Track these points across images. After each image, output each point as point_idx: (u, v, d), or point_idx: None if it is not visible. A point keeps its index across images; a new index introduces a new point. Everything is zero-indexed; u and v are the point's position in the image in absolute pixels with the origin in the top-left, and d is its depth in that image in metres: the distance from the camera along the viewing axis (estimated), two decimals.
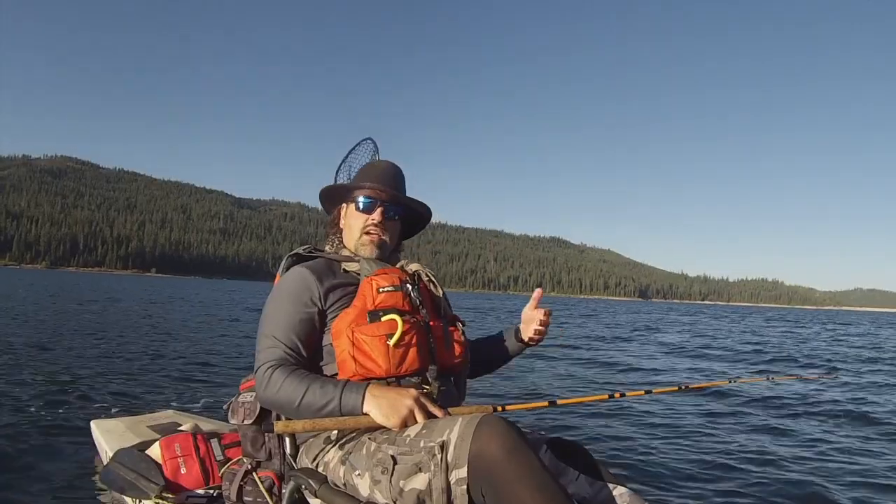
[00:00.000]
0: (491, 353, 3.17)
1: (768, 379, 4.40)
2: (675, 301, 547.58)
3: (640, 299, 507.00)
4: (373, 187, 2.88)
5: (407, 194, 3.02)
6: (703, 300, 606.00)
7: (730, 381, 4.12)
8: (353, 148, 3.16)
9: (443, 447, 2.14)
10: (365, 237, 2.87)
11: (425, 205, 3.05)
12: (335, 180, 3.12)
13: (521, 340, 3.10)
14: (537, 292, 2.99)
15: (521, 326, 3.10)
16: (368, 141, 3.19)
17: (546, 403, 2.85)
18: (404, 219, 3.05)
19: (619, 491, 2.40)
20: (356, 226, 2.89)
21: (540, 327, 3.03)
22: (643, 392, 3.18)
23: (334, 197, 3.06)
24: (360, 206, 2.88)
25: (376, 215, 2.86)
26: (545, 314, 3.03)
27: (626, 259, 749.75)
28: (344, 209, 3.00)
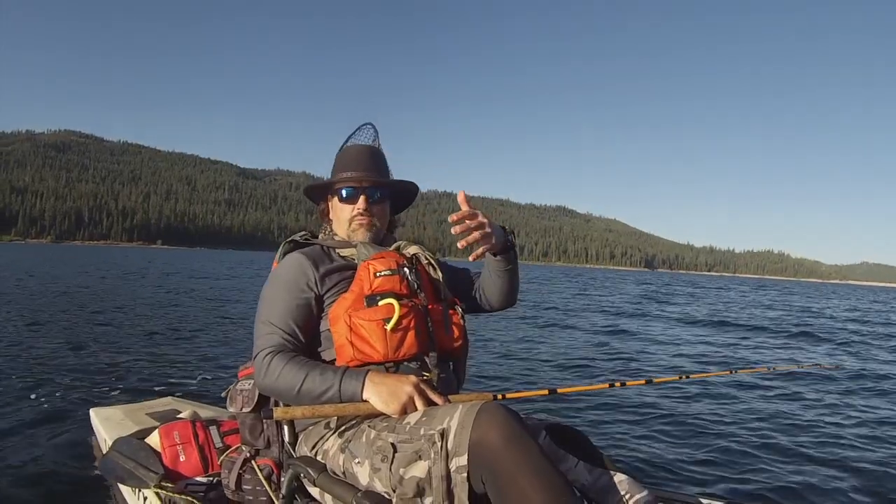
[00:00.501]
0: (487, 281, 3.05)
1: (769, 369, 4.37)
2: (681, 272, 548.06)
3: (646, 269, 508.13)
4: (351, 177, 2.87)
5: (393, 171, 3.04)
6: (709, 271, 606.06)
7: (731, 372, 4.10)
8: (353, 133, 3.11)
9: (443, 435, 2.13)
10: (354, 224, 2.88)
11: (408, 181, 3.05)
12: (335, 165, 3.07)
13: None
14: (460, 195, 2.67)
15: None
16: (368, 126, 3.13)
17: (546, 392, 2.82)
18: (391, 197, 3.04)
19: (618, 478, 2.37)
20: (343, 216, 2.90)
21: (471, 234, 2.64)
22: (644, 381, 3.17)
23: (319, 192, 3.06)
24: (343, 196, 2.88)
25: (360, 203, 2.87)
26: (459, 216, 2.59)
27: (632, 229, 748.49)
28: (331, 201, 3.00)
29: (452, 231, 2.58)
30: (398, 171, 3.02)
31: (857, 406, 9.30)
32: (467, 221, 2.60)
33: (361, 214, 2.86)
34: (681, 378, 3.48)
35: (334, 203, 2.95)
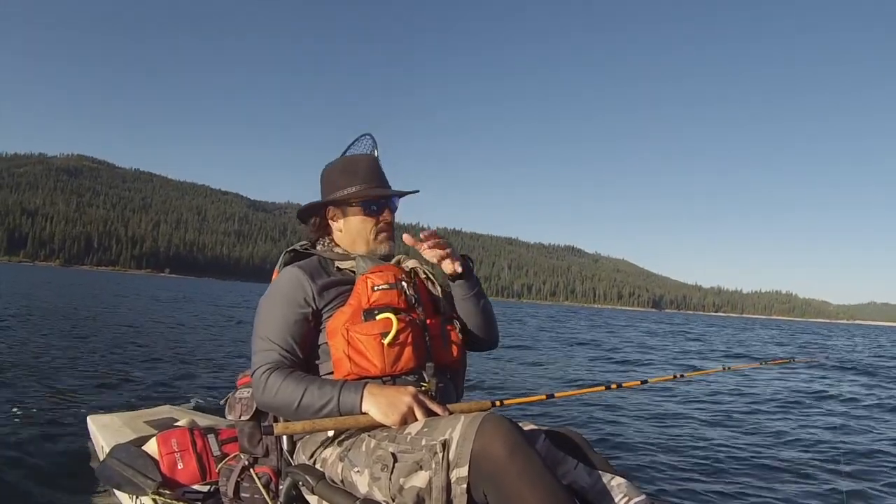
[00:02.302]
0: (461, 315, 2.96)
1: (761, 364, 4.43)
2: (688, 312, 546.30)
3: (653, 310, 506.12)
4: (377, 190, 2.87)
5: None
6: (716, 311, 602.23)
7: (724, 368, 4.14)
8: (352, 143, 3.15)
9: (444, 445, 2.15)
10: (381, 235, 2.88)
11: (416, 190, 3.03)
12: None
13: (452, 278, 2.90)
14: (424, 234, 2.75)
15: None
16: (367, 136, 3.18)
17: (544, 396, 2.86)
18: None
19: (616, 481, 2.38)
20: (366, 228, 2.88)
21: (439, 251, 2.76)
22: (639, 382, 3.22)
23: (316, 207, 3.00)
24: (370, 209, 2.86)
25: (387, 215, 2.87)
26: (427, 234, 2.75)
27: (640, 269, 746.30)
28: (338, 213, 2.94)
29: (422, 245, 2.71)
30: (399, 206, 3.02)
31: (847, 395, 9.51)
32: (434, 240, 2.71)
33: (388, 225, 2.89)
34: (675, 377, 3.50)
35: (351, 216, 2.90)
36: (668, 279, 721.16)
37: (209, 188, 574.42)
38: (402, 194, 2.95)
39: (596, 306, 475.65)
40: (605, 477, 2.40)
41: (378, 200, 2.86)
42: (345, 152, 3.12)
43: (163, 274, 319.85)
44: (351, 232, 2.92)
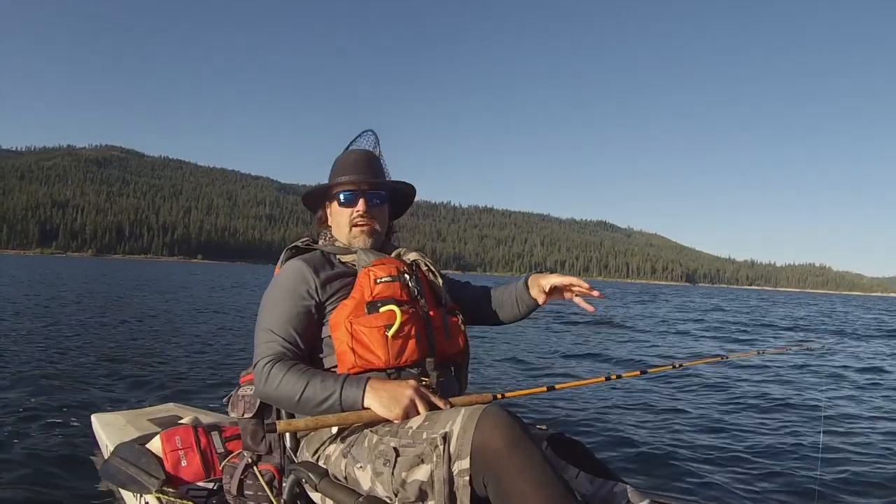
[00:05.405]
0: (508, 305, 3.11)
1: (759, 353, 4.40)
2: (722, 286, 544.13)
3: (686, 284, 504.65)
4: (349, 180, 2.86)
5: (391, 175, 3.05)
6: (749, 285, 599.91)
7: (722, 357, 4.10)
8: (354, 140, 3.16)
9: (445, 438, 2.13)
10: (355, 230, 2.87)
11: (407, 183, 3.06)
12: None
13: (534, 298, 3.02)
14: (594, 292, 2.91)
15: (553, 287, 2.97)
16: (369, 133, 3.18)
17: (545, 388, 2.83)
18: (390, 201, 3.05)
19: (620, 487, 2.39)
20: (343, 220, 2.89)
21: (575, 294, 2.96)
22: (638, 372, 3.24)
23: (318, 198, 3.06)
24: (342, 200, 2.87)
25: (360, 206, 2.85)
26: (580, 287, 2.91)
27: (673, 243, 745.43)
28: (328, 206, 3.00)
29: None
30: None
31: (847, 385, 9.57)
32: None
33: (361, 217, 2.85)
34: (674, 367, 3.50)
35: (333, 208, 2.94)
36: (702, 253, 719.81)
37: (239, 173, 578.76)
38: (374, 185, 2.92)
39: (629, 281, 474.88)
40: (609, 484, 2.41)
41: (348, 191, 2.87)
42: (347, 148, 3.13)
43: (195, 260, 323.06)
44: (335, 224, 2.97)
